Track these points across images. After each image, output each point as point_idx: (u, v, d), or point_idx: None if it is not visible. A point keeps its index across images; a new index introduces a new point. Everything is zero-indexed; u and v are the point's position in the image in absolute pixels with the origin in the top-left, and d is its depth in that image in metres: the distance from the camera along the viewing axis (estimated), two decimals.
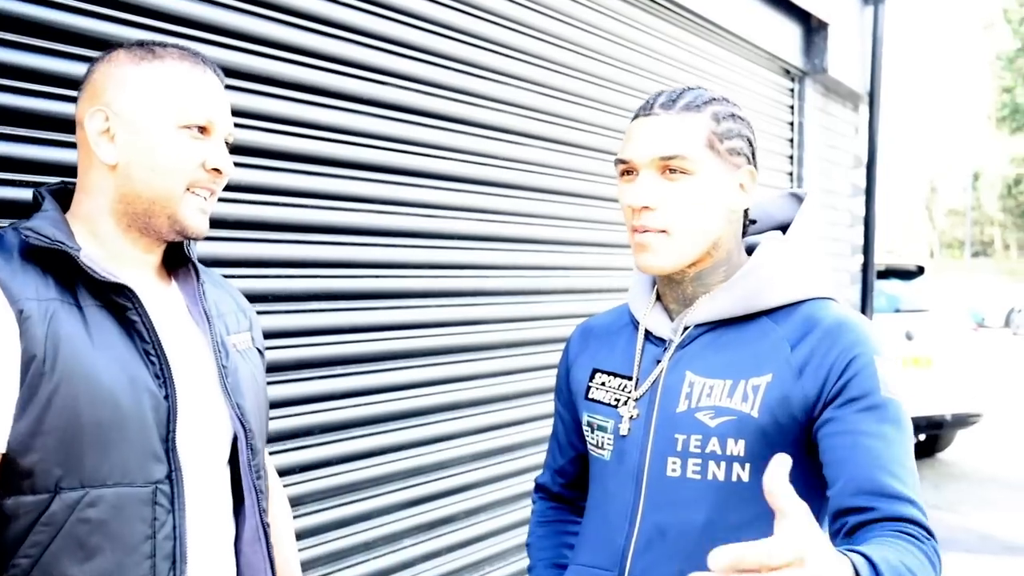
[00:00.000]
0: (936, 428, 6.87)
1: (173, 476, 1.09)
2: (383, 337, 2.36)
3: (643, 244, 1.20)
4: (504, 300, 2.83)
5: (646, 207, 1.18)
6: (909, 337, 6.82)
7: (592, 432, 1.30)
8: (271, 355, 2.03)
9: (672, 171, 1.17)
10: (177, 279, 1.22)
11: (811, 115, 4.97)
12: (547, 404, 2.99)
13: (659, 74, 3.56)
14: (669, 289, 1.26)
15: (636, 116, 1.23)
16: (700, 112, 1.19)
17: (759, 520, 1.15)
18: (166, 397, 1.09)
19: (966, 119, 42.23)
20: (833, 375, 1.13)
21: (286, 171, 2.08)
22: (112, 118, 1.11)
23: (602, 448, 1.27)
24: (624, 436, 1.23)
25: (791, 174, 4.91)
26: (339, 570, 2.25)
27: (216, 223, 1.90)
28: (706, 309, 1.23)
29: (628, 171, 1.21)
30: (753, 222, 1.32)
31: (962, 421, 7.00)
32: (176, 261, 1.23)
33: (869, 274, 5.65)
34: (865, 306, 5.70)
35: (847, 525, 1.09)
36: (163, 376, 1.09)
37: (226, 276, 1.91)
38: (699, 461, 1.17)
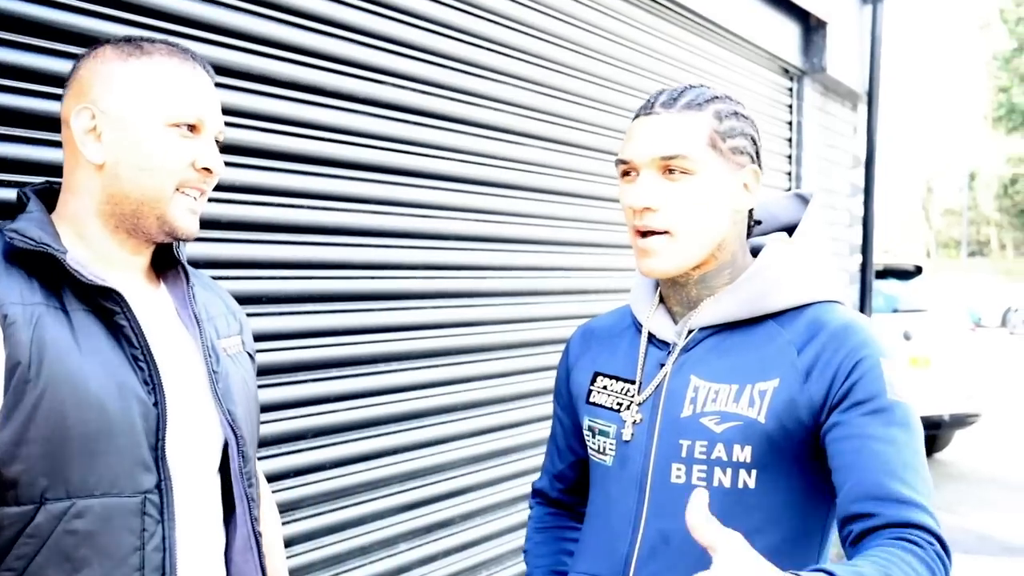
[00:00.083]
0: (934, 428, 6.87)
1: (163, 485, 1.06)
2: (379, 339, 2.33)
3: (645, 249, 1.17)
4: (502, 301, 2.80)
5: (647, 208, 1.15)
6: (907, 337, 6.81)
7: (593, 437, 1.27)
8: (266, 357, 2.00)
9: (673, 171, 1.15)
10: (166, 281, 1.19)
11: (810, 114, 4.96)
12: (545, 406, 2.97)
13: (658, 73, 3.54)
14: (673, 292, 1.24)
15: (637, 115, 1.20)
16: (702, 111, 1.16)
17: (767, 527, 1.13)
18: (155, 404, 1.06)
19: (962, 119, 42.32)
20: (839, 378, 1.11)
21: (281, 171, 2.06)
22: (99, 116, 1.08)
23: (604, 453, 1.25)
24: (627, 441, 1.21)
25: (790, 173, 4.89)
26: (335, 575, 2.22)
27: (211, 223, 1.88)
28: (711, 312, 1.21)
29: (628, 171, 1.19)
30: (758, 223, 1.30)
31: (960, 421, 7.00)
32: (165, 263, 1.20)
33: (868, 274, 5.65)
34: (864, 306, 5.68)
35: (852, 533, 1.07)
36: (152, 382, 1.06)
37: (221, 277, 1.89)
38: (704, 467, 1.15)
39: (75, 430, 1.00)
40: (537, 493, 1.46)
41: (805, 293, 1.20)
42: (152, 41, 1.12)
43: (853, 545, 1.06)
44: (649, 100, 1.20)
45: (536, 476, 2.91)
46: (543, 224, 2.97)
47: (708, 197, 1.16)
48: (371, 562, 2.32)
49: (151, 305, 1.14)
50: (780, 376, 1.14)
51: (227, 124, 1.91)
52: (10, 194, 1.47)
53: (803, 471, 1.14)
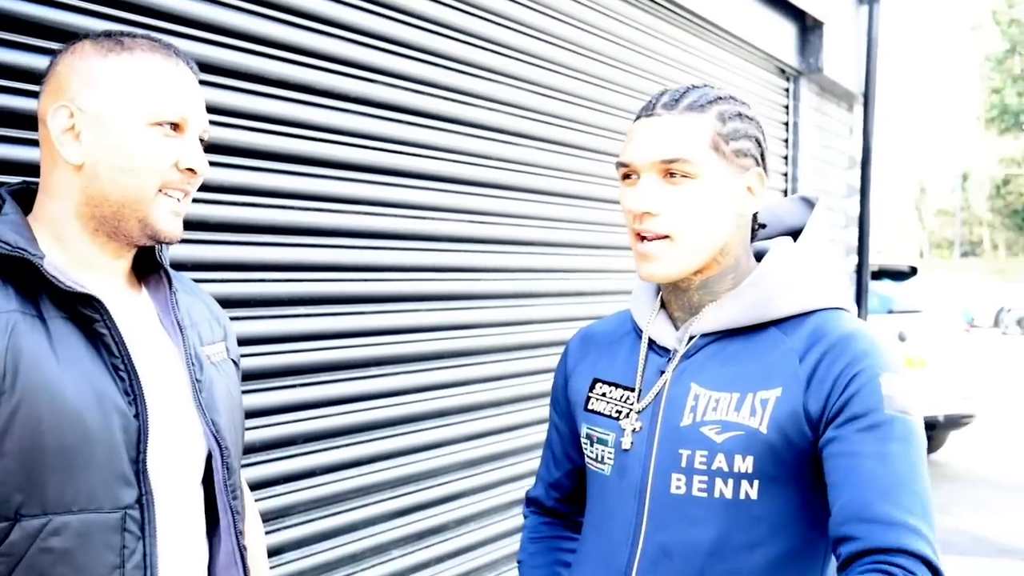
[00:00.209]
0: (929, 429, 6.86)
1: (144, 500, 1.01)
2: (371, 343, 2.30)
3: (645, 254, 1.15)
4: (497, 304, 2.77)
5: (647, 212, 1.12)
6: (902, 338, 6.80)
7: (591, 445, 1.24)
8: (256, 361, 1.97)
9: (674, 175, 1.12)
10: (148, 286, 1.15)
11: (806, 115, 4.94)
12: (539, 409, 2.94)
13: (654, 72, 3.52)
14: (674, 297, 1.21)
15: (638, 116, 1.17)
16: (704, 112, 1.13)
17: (769, 540, 1.10)
18: (136, 415, 1.02)
19: (955, 120, 42.47)
20: (836, 391, 1.08)
21: (270, 171, 2.02)
22: (77, 115, 1.04)
23: (602, 462, 1.22)
24: (626, 450, 1.18)
25: (786, 174, 4.88)
26: None
27: (200, 225, 1.84)
28: (713, 318, 1.17)
29: (629, 174, 1.16)
30: (762, 226, 1.26)
31: (955, 422, 7.00)
32: (147, 267, 1.16)
33: (864, 275, 5.64)
34: (860, 307, 5.67)
35: (840, 556, 1.05)
36: (133, 393, 1.02)
37: (209, 280, 1.86)
38: (705, 478, 1.11)
39: (52, 443, 0.96)
40: (532, 502, 1.43)
41: (809, 300, 1.16)
42: (133, 36, 1.08)
43: (841, 570, 1.04)
44: (651, 101, 1.17)
45: (531, 480, 2.89)
46: (539, 225, 2.94)
47: (710, 201, 1.13)
48: (363, 569, 2.29)
49: (132, 311, 1.10)
50: (783, 385, 1.11)
51: (215, 123, 1.87)
52: None
53: (807, 482, 1.11)
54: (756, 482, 1.10)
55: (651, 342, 1.22)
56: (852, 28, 5.38)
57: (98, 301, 1.01)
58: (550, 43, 2.94)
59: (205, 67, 1.85)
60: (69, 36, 1.11)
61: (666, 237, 1.13)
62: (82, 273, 1.06)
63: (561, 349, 2.99)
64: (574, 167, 3.09)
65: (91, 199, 1.05)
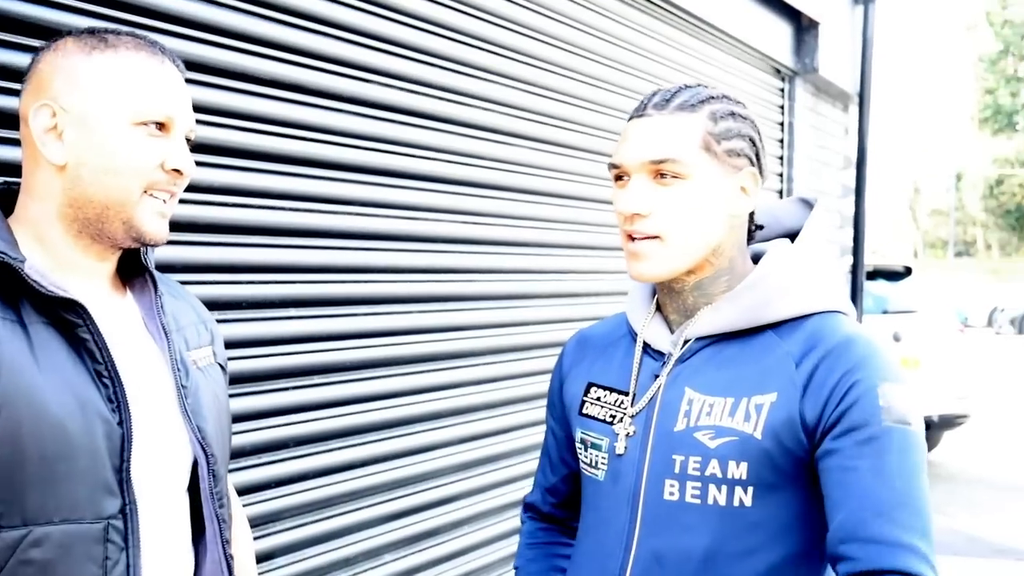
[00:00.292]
0: (924, 429, 6.85)
1: (127, 510, 0.99)
2: (362, 345, 2.28)
3: (635, 252, 1.13)
4: (490, 305, 2.75)
5: (637, 214, 1.11)
6: (897, 339, 6.80)
7: (586, 450, 1.22)
8: (246, 364, 1.94)
9: (664, 175, 1.11)
10: (132, 290, 1.12)
11: (801, 115, 4.93)
12: (533, 412, 2.92)
13: (649, 72, 3.50)
14: (669, 299, 1.19)
15: (631, 117, 1.16)
16: (695, 112, 1.12)
17: (764, 548, 1.08)
18: (120, 423, 0.99)
19: (949, 120, 42.58)
20: (832, 401, 1.06)
21: (261, 171, 2.00)
22: (60, 114, 1.01)
23: (596, 467, 1.20)
24: (619, 455, 1.16)
25: (781, 174, 4.87)
26: None
27: (189, 226, 1.82)
28: (708, 321, 1.15)
29: (621, 175, 1.15)
30: (760, 227, 1.24)
31: (949, 422, 7.00)
32: (132, 270, 1.13)
33: (859, 275, 5.63)
34: (855, 308, 5.66)
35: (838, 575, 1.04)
36: (117, 400, 0.99)
37: (199, 281, 1.83)
38: (698, 484, 1.09)
39: (32, 452, 0.93)
40: (529, 507, 1.41)
41: (806, 303, 1.14)
42: (117, 33, 1.05)
43: None
44: (643, 101, 1.16)
45: (526, 482, 2.87)
46: (534, 226, 2.92)
47: (701, 202, 1.11)
48: (356, 574, 2.27)
49: (116, 316, 1.07)
50: (778, 390, 1.09)
51: (204, 123, 1.85)
52: None
53: (804, 489, 1.09)
54: (751, 489, 1.08)
55: (646, 345, 1.20)
56: (847, 28, 5.37)
57: (81, 306, 0.99)
58: (544, 42, 2.92)
59: (194, 66, 1.82)
60: (54, 33, 1.08)
61: (656, 237, 1.12)
62: (65, 276, 1.03)
63: (555, 351, 2.98)
64: (569, 167, 3.07)
65: (74, 200, 1.02)
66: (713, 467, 1.08)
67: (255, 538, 1.91)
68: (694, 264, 1.14)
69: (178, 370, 1.09)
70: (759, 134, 1.17)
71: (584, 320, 3.12)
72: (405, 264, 2.40)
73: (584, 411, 1.24)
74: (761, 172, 1.17)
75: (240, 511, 1.33)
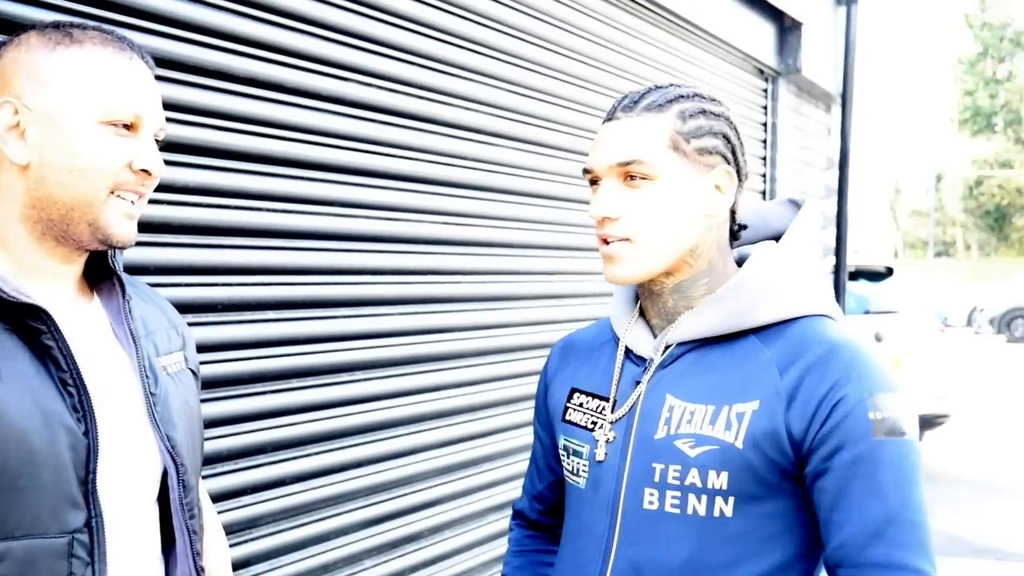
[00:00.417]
0: None
1: (93, 523, 0.95)
2: (341, 348, 2.24)
3: (609, 255, 1.12)
4: (473, 307, 2.72)
5: (607, 217, 1.10)
6: (878, 339, 6.83)
7: (568, 457, 1.20)
8: (222, 368, 1.90)
9: (633, 177, 1.10)
10: (100, 294, 1.09)
11: (784, 115, 4.93)
12: (515, 415, 2.89)
13: (634, 73, 3.48)
14: (650, 303, 1.17)
15: (603, 121, 1.16)
16: (662, 112, 1.10)
17: (744, 561, 1.06)
18: (85, 433, 0.95)
19: (929, 121, 42.96)
20: (820, 415, 1.03)
21: (239, 171, 1.96)
22: (23, 112, 0.97)
23: (577, 475, 1.18)
24: (599, 462, 1.14)
25: (764, 175, 4.87)
26: None
27: (163, 227, 1.78)
28: (689, 326, 1.13)
29: (594, 180, 1.14)
30: (742, 227, 1.21)
31: (930, 422, 7.04)
32: (100, 273, 1.09)
33: (841, 275, 5.65)
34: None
35: None
36: (82, 409, 0.96)
37: (173, 283, 1.79)
38: (678, 494, 1.07)
39: None
40: (517, 514, 1.39)
41: (790, 307, 1.12)
42: (84, 28, 1.01)
43: None
44: (614, 104, 1.15)
45: (508, 486, 2.84)
46: (518, 227, 2.89)
47: (671, 202, 1.09)
48: None
49: (82, 322, 1.03)
50: (760, 398, 1.06)
51: (181, 121, 1.81)
52: None
53: (788, 499, 1.07)
54: (731, 499, 1.05)
55: (628, 351, 1.18)
56: (830, 29, 5.39)
57: (45, 312, 0.95)
58: (527, 41, 2.89)
59: (171, 63, 1.78)
60: (17, 28, 1.04)
61: (626, 240, 1.10)
62: (28, 281, 0.99)
63: (539, 353, 2.96)
64: (555, 168, 3.05)
65: (38, 201, 0.98)
66: (693, 476, 1.06)
67: (231, 545, 1.87)
68: (669, 265, 1.12)
69: (147, 377, 1.05)
70: (735, 131, 1.15)
71: (569, 321, 3.10)
72: (385, 266, 2.37)
73: (567, 417, 1.21)
74: (739, 170, 1.14)
75: (215, 519, 1.29)
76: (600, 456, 1.13)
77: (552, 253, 3.08)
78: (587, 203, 3.19)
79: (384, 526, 2.38)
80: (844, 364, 1.04)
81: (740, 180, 1.15)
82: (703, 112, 1.12)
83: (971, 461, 7.49)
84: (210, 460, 1.86)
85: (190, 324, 1.75)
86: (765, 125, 4.84)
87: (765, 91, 4.84)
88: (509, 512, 2.76)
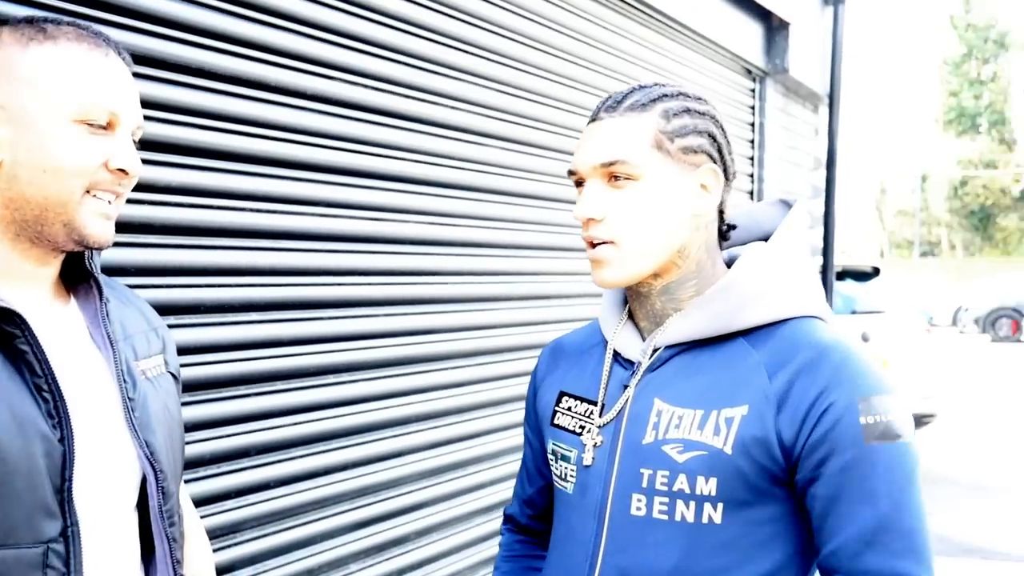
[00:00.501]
0: None
1: (69, 532, 0.93)
2: (328, 349, 2.22)
3: (595, 258, 1.11)
4: (461, 308, 2.70)
5: (591, 219, 1.09)
6: (865, 339, 6.85)
7: (556, 461, 1.19)
8: (206, 370, 1.88)
9: (617, 178, 1.08)
10: (77, 297, 1.06)
11: (772, 115, 4.94)
12: (502, 416, 2.87)
13: (622, 72, 3.47)
14: (638, 305, 1.16)
15: (588, 121, 1.14)
16: (646, 111, 1.09)
17: (734, 567, 1.04)
18: (61, 440, 0.93)
19: (915, 122, 43.24)
20: (809, 422, 1.01)
21: (224, 171, 1.94)
22: None
23: (565, 480, 1.16)
24: (587, 467, 1.12)
25: (752, 175, 4.87)
26: None
27: (145, 227, 1.75)
28: (677, 329, 1.11)
29: (578, 181, 1.13)
30: (732, 227, 1.19)
31: (916, 422, 7.06)
32: (77, 275, 1.07)
33: (828, 275, 5.66)
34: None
35: None
36: (57, 415, 0.93)
37: (154, 284, 1.76)
38: (666, 500, 1.05)
39: None
40: (508, 519, 1.38)
41: (779, 308, 1.10)
42: (58, 23, 0.98)
43: None
44: (598, 105, 1.13)
45: (495, 488, 2.83)
46: (507, 228, 2.88)
47: (655, 202, 1.08)
48: None
49: (58, 325, 1.00)
50: (749, 403, 1.04)
51: (164, 120, 1.78)
52: None
53: (778, 505, 1.05)
54: (720, 505, 1.03)
55: (616, 354, 1.17)
56: (818, 29, 5.40)
57: (19, 316, 0.92)
58: (517, 41, 2.88)
59: (154, 61, 1.75)
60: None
61: (611, 242, 1.09)
62: (1, 284, 0.96)
63: (527, 354, 2.94)
64: (544, 168, 3.03)
65: (11, 202, 0.96)
66: (681, 482, 1.04)
67: (215, 550, 1.85)
68: (657, 267, 1.10)
69: (124, 382, 1.03)
70: (722, 130, 1.14)
71: (559, 322, 3.09)
72: (373, 266, 2.35)
73: (555, 421, 1.20)
74: (725, 168, 1.13)
75: (198, 524, 1.26)
76: (588, 461, 1.12)
77: (542, 254, 3.07)
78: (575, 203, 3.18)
79: (371, 529, 2.36)
80: (834, 367, 1.03)
81: (727, 179, 1.13)
82: (687, 111, 1.10)
83: (957, 460, 7.53)
84: (193, 464, 1.84)
85: (173, 326, 1.72)
86: (753, 125, 4.84)
87: (753, 91, 4.85)
88: (498, 514, 2.74)
